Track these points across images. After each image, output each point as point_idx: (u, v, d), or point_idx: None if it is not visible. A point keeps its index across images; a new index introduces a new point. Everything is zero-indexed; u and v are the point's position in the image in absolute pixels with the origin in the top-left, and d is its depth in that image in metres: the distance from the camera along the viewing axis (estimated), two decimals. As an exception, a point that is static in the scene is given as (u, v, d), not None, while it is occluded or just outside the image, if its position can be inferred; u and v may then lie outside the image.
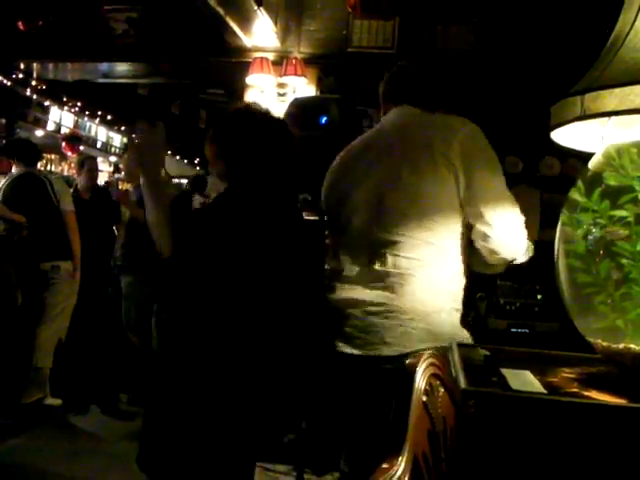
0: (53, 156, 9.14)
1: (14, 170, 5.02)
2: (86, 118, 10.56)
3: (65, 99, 9.39)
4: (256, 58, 6.04)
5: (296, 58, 6.01)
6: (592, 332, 1.58)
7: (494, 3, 5.68)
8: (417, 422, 1.09)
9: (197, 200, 5.05)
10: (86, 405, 4.95)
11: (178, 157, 12.83)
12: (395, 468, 0.97)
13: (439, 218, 2.09)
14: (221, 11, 5.31)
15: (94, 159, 6.29)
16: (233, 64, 6.36)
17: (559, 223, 1.65)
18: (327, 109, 4.03)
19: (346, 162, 2.40)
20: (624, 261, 1.44)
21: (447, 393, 1.26)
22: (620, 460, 1.26)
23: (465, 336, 2.16)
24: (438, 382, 1.23)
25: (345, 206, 2.29)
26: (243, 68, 6.14)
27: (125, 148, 11.02)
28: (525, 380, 1.47)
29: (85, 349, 5.25)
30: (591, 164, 1.62)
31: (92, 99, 9.86)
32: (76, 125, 10.34)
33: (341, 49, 6.05)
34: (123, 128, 11.61)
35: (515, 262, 2.20)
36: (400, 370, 1.21)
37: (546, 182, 5.70)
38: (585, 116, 1.47)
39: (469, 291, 2.24)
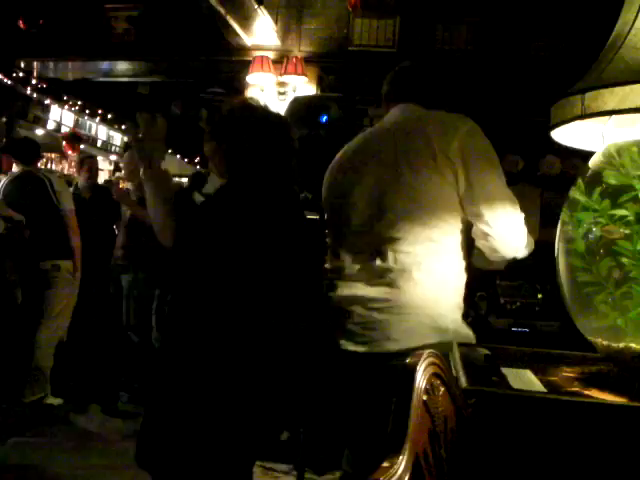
0: (53, 155, 9.13)
1: (14, 169, 5.03)
2: (86, 117, 10.54)
3: (65, 98, 9.38)
4: (256, 57, 6.04)
5: (296, 57, 6.01)
6: (593, 331, 1.58)
7: (495, 2, 5.68)
8: (418, 421, 1.09)
9: (196, 198, 5.05)
10: (87, 404, 4.95)
11: (179, 156, 12.83)
12: (396, 467, 0.97)
13: (439, 215, 2.09)
14: (222, 10, 5.31)
15: (94, 158, 6.29)
16: (234, 63, 6.38)
17: (559, 222, 1.65)
18: (327, 108, 4.03)
19: (346, 160, 2.40)
20: (624, 260, 1.44)
21: (448, 392, 1.26)
22: (621, 459, 1.26)
23: (468, 333, 2.16)
24: (439, 381, 1.23)
25: (345, 203, 2.29)
26: (243, 67, 6.15)
27: (125, 147, 11.01)
28: (526, 379, 1.47)
29: (86, 348, 5.25)
30: (591, 163, 1.62)
31: (92, 98, 9.84)
32: (76, 124, 10.32)
33: (342, 48, 6.06)
34: (124, 127, 11.60)
35: (516, 257, 2.20)
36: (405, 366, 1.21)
37: (546, 181, 5.70)
38: (585, 115, 1.47)
39: (469, 290, 2.23)
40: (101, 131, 11.45)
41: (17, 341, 4.68)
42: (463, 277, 2.20)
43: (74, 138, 8.92)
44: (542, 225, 5.26)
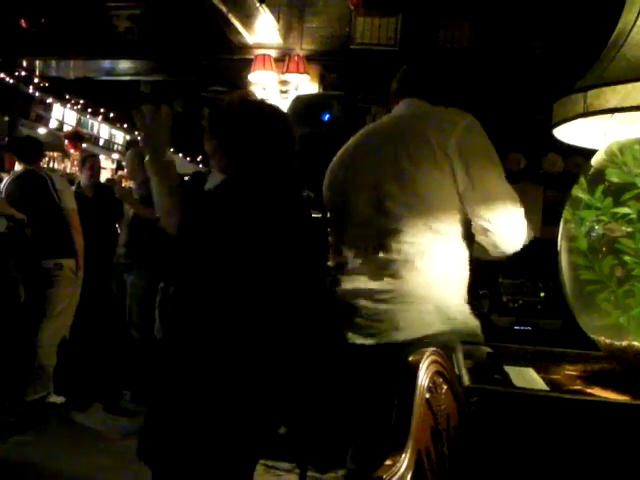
0: (56, 154, 9.12)
1: (17, 167, 5.03)
2: (89, 115, 10.55)
3: (67, 96, 9.38)
4: (258, 55, 6.03)
5: (298, 55, 6.01)
6: (595, 329, 1.58)
7: (496, 0, 5.68)
8: (420, 419, 1.09)
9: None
10: (89, 402, 4.95)
11: (181, 154, 12.83)
12: (398, 465, 0.97)
13: (440, 207, 2.10)
14: (224, 8, 5.31)
15: (97, 157, 6.30)
16: (235, 61, 6.37)
17: (562, 220, 1.65)
18: (329, 106, 4.03)
19: (347, 157, 2.41)
20: (627, 258, 1.44)
21: (450, 390, 1.26)
22: (623, 457, 1.26)
23: (476, 323, 2.17)
24: (441, 379, 1.23)
25: (347, 200, 2.29)
26: (245, 65, 6.14)
27: (127, 146, 11.01)
28: (528, 377, 1.47)
29: (88, 346, 5.25)
30: (594, 161, 1.62)
31: (95, 96, 9.85)
32: (79, 123, 10.32)
33: (344, 46, 6.05)
34: (126, 126, 11.60)
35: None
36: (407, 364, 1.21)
37: (549, 179, 5.68)
38: (588, 113, 1.47)
39: (472, 288, 2.24)
40: (103, 130, 11.45)
41: (20, 340, 4.68)
42: (466, 267, 2.20)
43: (76, 137, 8.92)
44: (544, 223, 5.26)
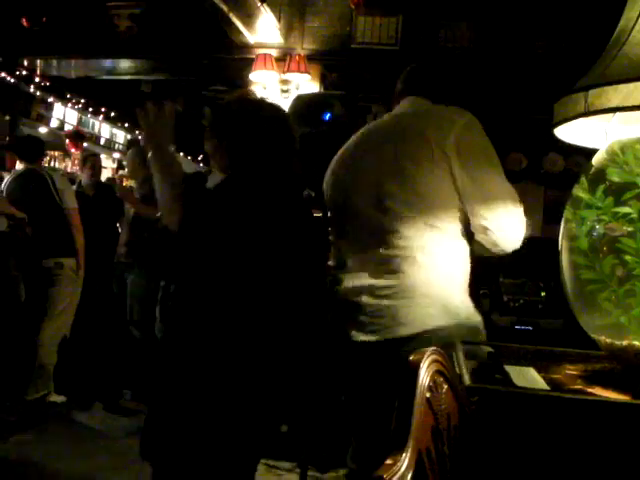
0: (57, 153, 9.13)
1: (17, 167, 5.04)
2: (89, 115, 10.55)
3: (68, 96, 9.39)
4: (259, 55, 6.03)
5: (299, 55, 6.00)
6: (596, 329, 1.58)
7: (497, 0, 5.68)
8: (421, 419, 1.09)
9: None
10: (90, 402, 4.96)
11: (182, 154, 12.83)
12: (399, 464, 0.97)
13: (439, 205, 2.10)
14: (224, 8, 5.31)
15: (98, 156, 6.30)
16: (236, 61, 6.37)
17: (563, 220, 1.65)
18: (330, 106, 4.03)
19: (348, 156, 2.41)
20: (628, 258, 1.44)
21: (451, 390, 1.26)
22: (623, 456, 1.26)
23: (478, 319, 2.17)
24: (442, 379, 1.23)
25: (347, 198, 2.30)
26: (246, 65, 6.14)
27: (128, 145, 11.01)
28: (529, 377, 1.47)
29: (89, 346, 5.26)
30: (595, 160, 1.62)
31: (95, 96, 9.86)
32: (80, 122, 10.33)
33: (345, 46, 6.05)
34: (127, 125, 11.60)
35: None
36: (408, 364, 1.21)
37: (550, 179, 5.68)
38: (589, 112, 1.47)
39: (472, 288, 2.23)
40: (104, 129, 11.46)
41: (20, 339, 4.69)
42: (467, 262, 2.20)
43: (77, 136, 8.92)
44: (545, 223, 5.27)
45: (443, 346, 1.35)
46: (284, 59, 6.07)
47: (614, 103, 1.42)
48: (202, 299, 2.12)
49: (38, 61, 7.48)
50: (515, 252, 2.17)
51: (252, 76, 6.09)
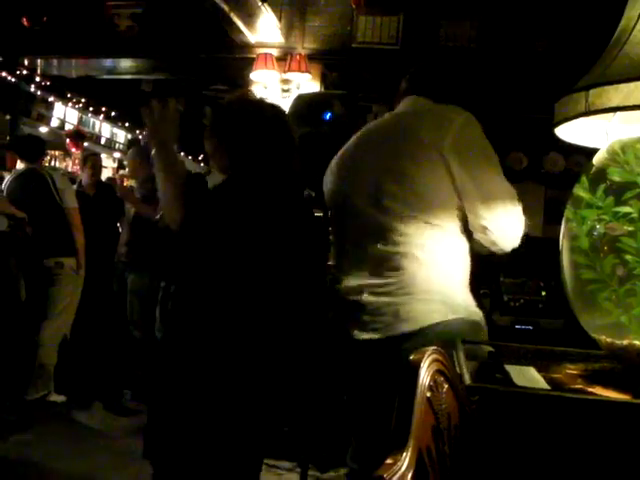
0: (57, 152, 9.13)
1: (18, 166, 5.04)
2: (90, 114, 10.54)
3: (69, 95, 9.38)
4: (260, 54, 6.04)
5: (300, 54, 6.01)
6: (596, 328, 1.58)
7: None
8: (421, 418, 1.08)
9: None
10: (90, 401, 4.96)
11: (182, 153, 12.83)
12: (399, 464, 0.97)
13: (439, 205, 2.10)
14: (225, 7, 5.31)
15: (98, 155, 6.30)
16: (237, 60, 6.37)
17: (563, 219, 1.64)
18: (331, 105, 4.02)
19: (348, 156, 2.41)
20: (628, 257, 1.44)
21: (451, 389, 1.26)
22: (624, 456, 1.25)
23: (479, 315, 2.17)
24: (442, 378, 1.23)
25: (348, 197, 2.30)
26: (247, 64, 6.15)
27: (129, 145, 11.01)
28: (529, 376, 1.47)
29: (89, 345, 5.26)
30: (595, 160, 1.61)
31: (96, 95, 9.85)
32: (80, 121, 10.32)
33: (345, 45, 6.05)
34: (127, 124, 11.60)
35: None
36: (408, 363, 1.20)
37: (550, 178, 5.69)
38: (590, 112, 1.47)
39: (472, 287, 2.23)
40: (105, 129, 11.45)
41: (20, 338, 4.69)
42: (468, 260, 2.20)
43: (78, 136, 8.91)
44: (546, 222, 5.27)
45: (443, 345, 1.34)
46: (285, 58, 6.07)
47: (615, 102, 1.42)
48: (202, 299, 2.12)
49: (39, 60, 7.48)
50: (515, 252, 2.17)
51: (253, 75, 6.09)
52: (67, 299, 4.87)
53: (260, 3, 5.41)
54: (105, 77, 7.56)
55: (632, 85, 1.38)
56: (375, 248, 2.15)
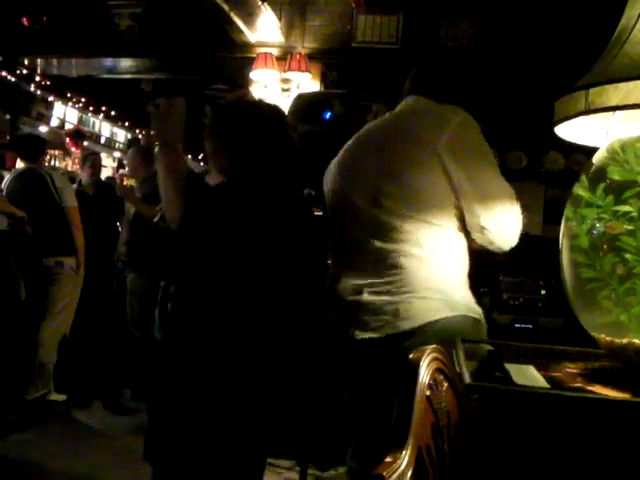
0: (57, 152, 9.13)
1: (18, 165, 5.04)
2: (90, 114, 10.54)
3: (69, 95, 9.39)
4: (260, 53, 6.04)
5: (300, 53, 6.00)
6: (596, 327, 1.58)
7: (497, -1, 5.69)
8: (421, 416, 1.09)
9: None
10: (90, 400, 4.96)
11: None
12: (399, 462, 0.97)
13: (437, 204, 2.10)
14: (225, 7, 5.31)
15: (98, 155, 6.30)
16: (237, 60, 6.37)
17: (563, 218, 1.65)
18: (331, 104, 4.03)
19: (348, 153, 2.42)
20: (628, 256, 1.44)
21: (451, 388, 1.26)
22: (623, 454, 1.26)
23: (479, 311, 2.17)
24: (442, 377, 1.23)
25: (347, 196, 2.30)
26: (247, 63, 6.15)
27: (129, 144, 11.01)
28: (529, 375, 1.47)
29: (89, 344, 5.26)
30: (595, 159, 1.62)
31: (96, 95, 9.85)
32: (80, 121, 10.33)
33: (345, 44, 6.05)
34: (127, 124, 11.60)
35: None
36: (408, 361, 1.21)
37: (550, 177, 5.68)
38: (590, 111, 1.47)
39: (472, 286, 2.23)
40: (105, 128, 11.45)
41: (20, 338, 4.69)
42: (466, 257, 2.21)
43: (78, 135, 8.92)
44: (546, 221, 5.27)
45: (443, 344, 1.34)
46: (285, 58, 6.07)
47: (614, 101, 1.42)
48: (202, 299, 2.12)
49: (39, 60, 7.49)
50: (515, 250, 2.17)
51: (253, 75, 6.09)
52: (67, 298, 4.87)
53: (260, 2, 5.41)
54: (105, 76, 7.56)
55: (632, 84, 1.39)
56: (374, 247, 2.15)
